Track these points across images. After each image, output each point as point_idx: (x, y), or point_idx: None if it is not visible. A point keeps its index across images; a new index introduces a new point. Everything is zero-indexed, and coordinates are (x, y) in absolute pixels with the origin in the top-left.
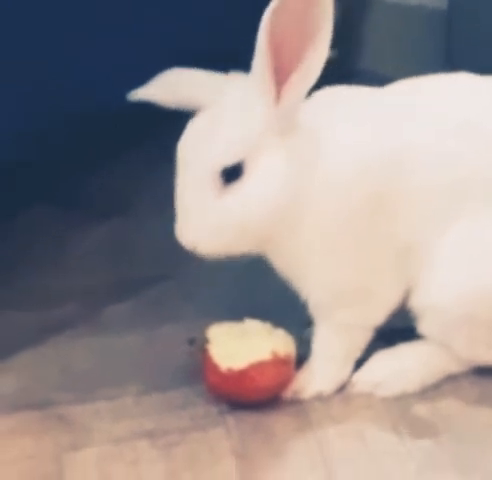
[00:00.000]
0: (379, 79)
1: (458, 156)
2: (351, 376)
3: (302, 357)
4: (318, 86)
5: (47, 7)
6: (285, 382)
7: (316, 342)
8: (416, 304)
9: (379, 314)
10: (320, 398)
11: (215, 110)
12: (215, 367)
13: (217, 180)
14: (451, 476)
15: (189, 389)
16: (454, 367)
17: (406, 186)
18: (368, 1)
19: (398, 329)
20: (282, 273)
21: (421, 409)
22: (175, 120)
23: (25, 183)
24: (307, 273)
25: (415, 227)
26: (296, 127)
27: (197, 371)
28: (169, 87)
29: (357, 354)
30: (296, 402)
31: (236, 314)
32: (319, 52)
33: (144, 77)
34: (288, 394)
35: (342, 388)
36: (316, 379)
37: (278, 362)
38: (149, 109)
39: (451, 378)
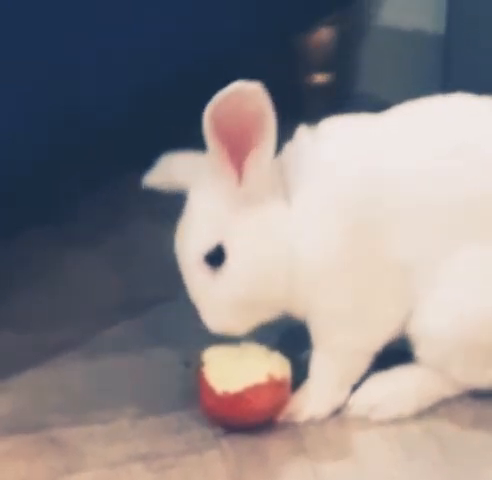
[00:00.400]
0: (376, 103)
1: (454, 177)
2: (347, 399)
3: (298, 380)
4: (317, 108)
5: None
6: (281, 405)
7: (313, 365)
8: (413, 329)
9: (378, 340)
10: (315, 421)
11: (190, 196)
12: (211, 390)
13: (205, 267)
14: None
15: (184, 412)
16: (449, 390)
17: (398, 209)
18: (366, 25)
19: (393, 351)
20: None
21: (416, 432)
22: (175, 138)
23: (23, 201)
24: (306, 301)
25: (411, 250)
26: (266, 195)
27: (193, 394)
28: (164, 174)
29: (354, 379)
30: (291, 425)
31: (232, 337)
32: (267, 134)
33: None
34: (283, 417)
35: (337, 411)
36: (311, 402)
37: (274, 385)
38: (147, 126)
39: (446, 401)
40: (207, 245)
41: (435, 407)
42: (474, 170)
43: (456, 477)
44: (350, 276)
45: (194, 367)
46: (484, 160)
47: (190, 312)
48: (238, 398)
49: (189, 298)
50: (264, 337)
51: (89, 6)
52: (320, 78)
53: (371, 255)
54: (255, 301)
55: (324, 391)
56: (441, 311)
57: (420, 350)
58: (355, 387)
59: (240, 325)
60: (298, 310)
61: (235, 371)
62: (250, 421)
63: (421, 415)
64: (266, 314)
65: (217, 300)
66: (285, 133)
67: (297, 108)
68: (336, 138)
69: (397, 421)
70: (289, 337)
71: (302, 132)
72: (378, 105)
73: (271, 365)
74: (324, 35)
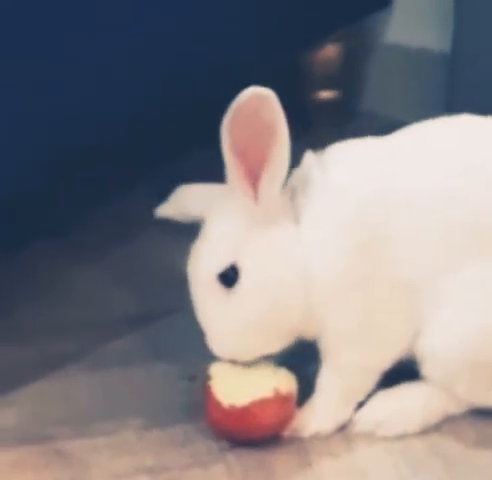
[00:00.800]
0: (382, 121)
1: (461, 196)
2: (352, 415)
3: (304, 395)
4: (323, 124)
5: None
6: (287, 420)
7: (320, 381)
8: (419, 348)
9: (385, 358)
10: (320, 436)
11: (206, 222)
12: (217, 403)
13: (218, 287)
14: None
15: (189, 426)
16: (454, 408)
17: (404, 229)
18: (372, 43)
19: (399, 368)
20: None
21: (421, 449)
22: (180, 154)
23: (26, 215)
24: (319, 321)
25: (417, 269)
26: (279, 217)
27: (198, 407)
28: (179, 205)
29: (360, 397)
30: (297, 440)
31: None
32: (281, 148)
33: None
34: (289, 432)
35: (343, 427)
36: (317, 418)
37: (280, 400)
38: (152, 142)
39: (451, 418)
40: (221, 264)
41: (440, 424)
42: (480, 189)
43: None
44: (358, 295)
45: (199, 381)
46: (488, 180)
47: (195, 326)
48: (244, 412)
49: (194, 312)
50: None
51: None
52: (326, 94)
53: (379, 274)
54: (269, 324)
55: (330, 407)
56: (446, 330)
57: (426, 368)
58: (361, 403)
59: (247, 352)
60: (312, 331)
61: (242, 385)
62: (256, 435)
63: (426, 432)
64: (277, 341)
65: (228, 322)
66: (292, 148)
67: (303, 124)
68: (343, 162)
69: (402, 437)
70: (295, 351)
71: (310, 157)
72: (383, 122)
73: (277, 380)
74: (331, 51)
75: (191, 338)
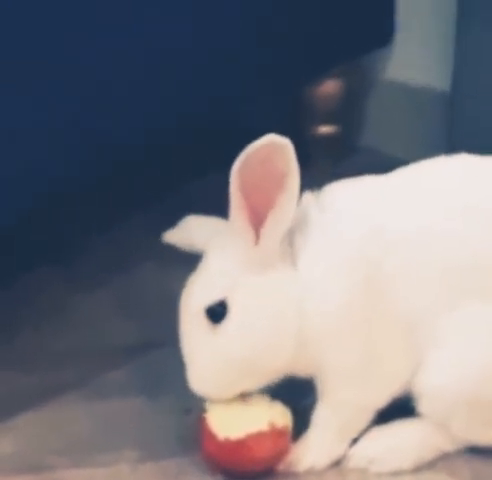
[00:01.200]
0: (381, 157)
1: (458, 238)
2: (347, 451)
3: (299, 429)
4: (322, 159)
5: None
6: (282, 454)
7: (315, 416)
8: (415, 385)
9: (383, 397)
10: (315, 471)
11: (206, 255)
12: (212, 436)
13: (205, 321)
14: None
15: (184, 458)
16: (449, 446)
17: (402, 269)
18: (372, 79)
19: (394, 404)
20: None
21: None
22: (180, 182)
23: (26, 243)
24: (313, 361)
25: (415, 308)
26: (278, 261)
27: (192, 441)
28: (184, 235)
29: (355, 433)
30: (291, 474)
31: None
32: (289, 196)
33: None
34: (283, 466)
35: (337, 462)
36: (312, 453)
37: (275, 433)
38: (152, 170)
39: (445, 456)
40: (212, 298)
41: (434, 462)
42: (479, 230)
43: None
44: (358, 334)
45: (194, 414)
46: (487, 220)
47: None
48: (240, 445)
49: None
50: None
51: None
52: (325, 130)
53: (378, 313)
54: (251, 365)
55: (324, 442)
56: (444, 368)
57: (422, 405)
58: (356, 438)
59: (225, 390)
60: (306, 369)
61: (237, 418)
62: (251, 469)
63: (419, 469)
64: (258, 380)
65: (209, 358)
66: None
67: (302, 158)
68: (341, 202)
69: (396, 474)
70: (291, 385)
71: (308, 198)
72: (383, 159)
73: (273, 414)
74: (331, 87)
75: None
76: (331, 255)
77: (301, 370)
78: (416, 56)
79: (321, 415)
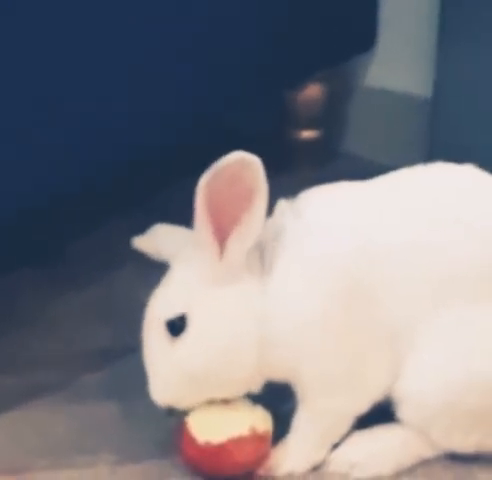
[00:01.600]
0: (363, 162)
1: (436, 248)
2: (327, 456)
3: (279, 433)
4: (305, 165)
5: None
6: (262, 458)
7: (296, 422)
8: (395, 392)
9: (363, 404)
10: (294, 476)
11: (171, 267)
12: (193, 440)
13: (165, 334)
14: None
15: (164, 461)
16: (429, 452)
17: (384, 278)
18: (353, 85)
19: (375, 409)
20: None
21: None
22: (162, 187)
23: (7, 247)
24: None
25: (397, 317)
26: (245, 273)
27: (174, 443)
28: (152, 242)
29: (335, 439)
30: (271, 479)
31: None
32: (256, 212)
33: None
34: (263, 471)
35: (317, 467)
36: (291, 458)
37: (256, 438)
38: (134, 176)
39: (425, 461)
40: (173, 311)
41: (414, 467)
42: (457, 238)
43: None
44: (336, 342)
45: (176, 416)
46: (466, 229)
47: None
48: (220, 449)
49: None
50: None
51: None
52: (307, 134)
53: (360, 323)
54: (207, 378)
55: (304, 448)
56: (424, 375)
57: (401, 412)
58: (336, 444)
59: (186, 400)
60: (279, 377)
61: (218, 422)
62: (230, 473)
63: (399, 475)
64: (221, 391)
65: (167, 370)
66: (271, 187)
67: (284, 163)
68: (317, 209)
69: (376, 479)
70: (271, 389)
71: (282, 206)
72: (364, 164)
73: (254, 418)
74: (313, 91)
75: None
76: (305, 264)
77: (276, 377)
78: (398, 62)
79: (301, 420)
